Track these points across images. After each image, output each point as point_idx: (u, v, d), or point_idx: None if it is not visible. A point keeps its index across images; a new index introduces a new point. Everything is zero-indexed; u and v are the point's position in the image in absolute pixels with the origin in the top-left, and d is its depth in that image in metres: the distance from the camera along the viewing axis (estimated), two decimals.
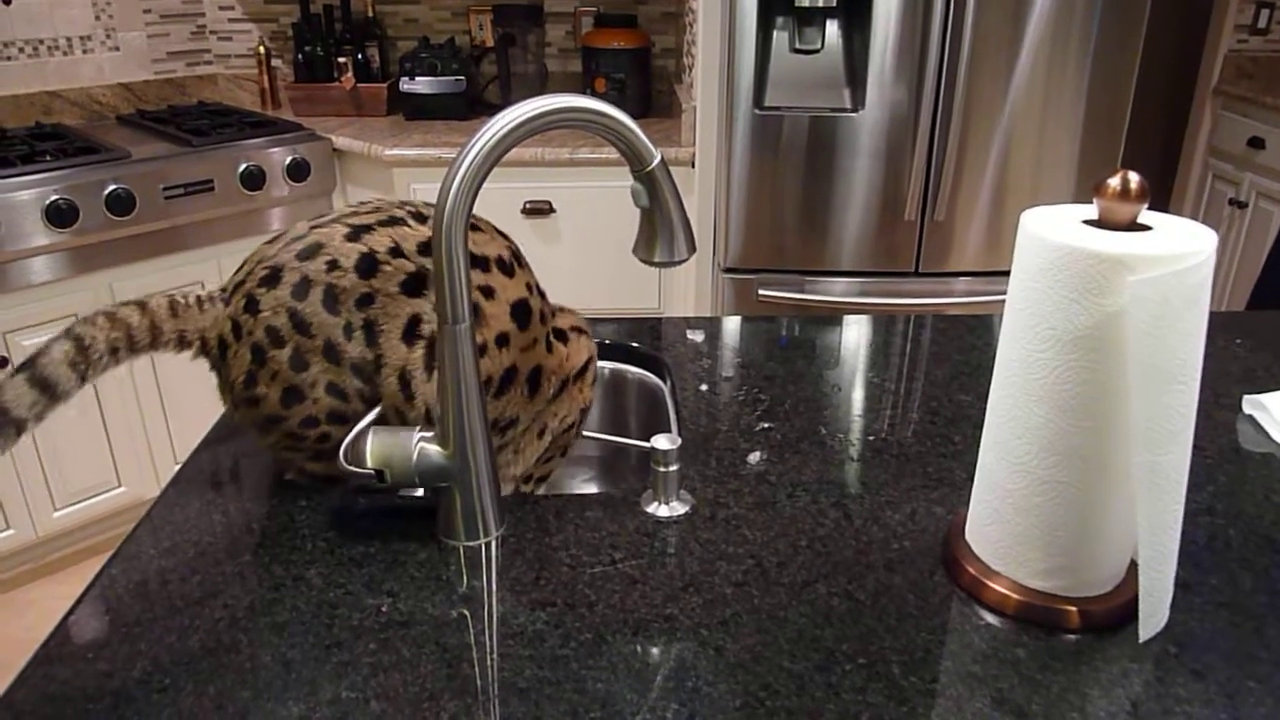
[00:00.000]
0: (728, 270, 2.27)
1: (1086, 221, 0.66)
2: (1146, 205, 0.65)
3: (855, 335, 1.24)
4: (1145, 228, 0.65)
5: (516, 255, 0.89)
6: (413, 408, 0.83)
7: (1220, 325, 1.27)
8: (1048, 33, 2.06)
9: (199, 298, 0.84)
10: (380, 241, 0.83)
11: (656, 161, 0.76)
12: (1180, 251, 0.61)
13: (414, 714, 0.63)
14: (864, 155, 2.14)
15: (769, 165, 2.16)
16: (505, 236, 0.90)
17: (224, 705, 0.64)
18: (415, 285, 0.83)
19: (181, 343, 0.84)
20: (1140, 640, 0.69)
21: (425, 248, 0.84)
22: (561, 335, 0.93)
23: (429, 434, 0.79)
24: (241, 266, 0.85)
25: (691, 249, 0.80)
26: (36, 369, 0.75)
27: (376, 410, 0.84)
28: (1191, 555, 0.80)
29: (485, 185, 0.73)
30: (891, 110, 2.11)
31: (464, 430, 0.78)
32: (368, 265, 0.82)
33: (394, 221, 0.84)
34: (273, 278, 0.82)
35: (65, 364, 0.76)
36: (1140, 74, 2.13)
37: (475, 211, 0.77)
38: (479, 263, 0.85)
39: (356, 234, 0.83)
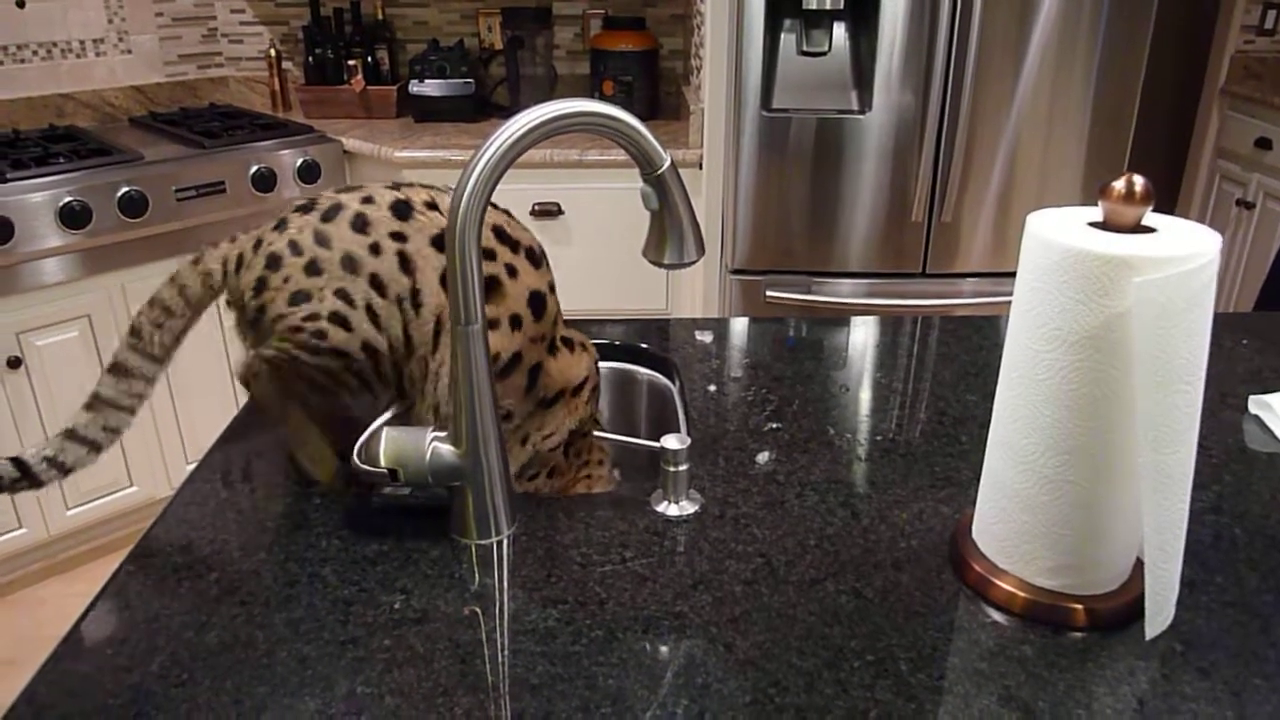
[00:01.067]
0: (735, 271, 2.28)
1: (1091, 224, 0.67)
2: (1151, 208, 0.65)
3: (862, 336, 1.25)
4: (1150, 230, 0.66)
5: (543, 253, 0.93)
6: (434, 358, 0.85)
7: (1227, 325, 1.27)
8: (1054, 34, 2.06)
9: (216, 242, 0.89)
10: (417, 195, 0.88)
11: (666, 165, 0.77)
12: (1184, 253, 0.62)
13: (427, 709, 0.64)
14: (871, 157, 2.15)
15: (776, 167, 2.17)
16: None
17: (241, 700, 0.65)
18: (442, 243, 0.85)
19: (207, 283, 0.87)
20: (1146, 638, 0.70)
21: None
22: (567, 343, 0.95)
23: (441, 433, 0.80)
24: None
25: (700, 251, 0.81)
26: (113, 360, 0.86)
27: (389, 413, 0.85)
28: (1198, 554, 0.80)
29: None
30: (898, 112, 2.11)
31: (476, 430, 0.79)
32: (402, 209, 0.86)
33: (427, 187, 0.90)
34: (307, 206, 0.87)
35: (129, 349, 0.86)
36: (1147, 75, 2.13)
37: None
38: (509, 242, 0.89)
39: (396, 186, 0.88)
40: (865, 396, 1.08)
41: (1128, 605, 0.72)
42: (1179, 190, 3.22)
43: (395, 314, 0.84)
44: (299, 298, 0.84)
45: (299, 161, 2.41)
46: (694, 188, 2.35)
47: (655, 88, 2.74)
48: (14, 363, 2.10)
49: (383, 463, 0.78)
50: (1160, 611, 0.69)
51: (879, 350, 1.21)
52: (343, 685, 0.66)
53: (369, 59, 2.78)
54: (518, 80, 2.72)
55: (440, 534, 0.83)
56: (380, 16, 2.83)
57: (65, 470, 0.85)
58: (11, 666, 2.07)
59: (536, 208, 2.37)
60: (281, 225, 0.87)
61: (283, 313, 0.84)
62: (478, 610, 0.74)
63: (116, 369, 0.86)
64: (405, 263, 0.84)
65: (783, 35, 2.16)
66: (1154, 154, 3.33)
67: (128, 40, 2.69)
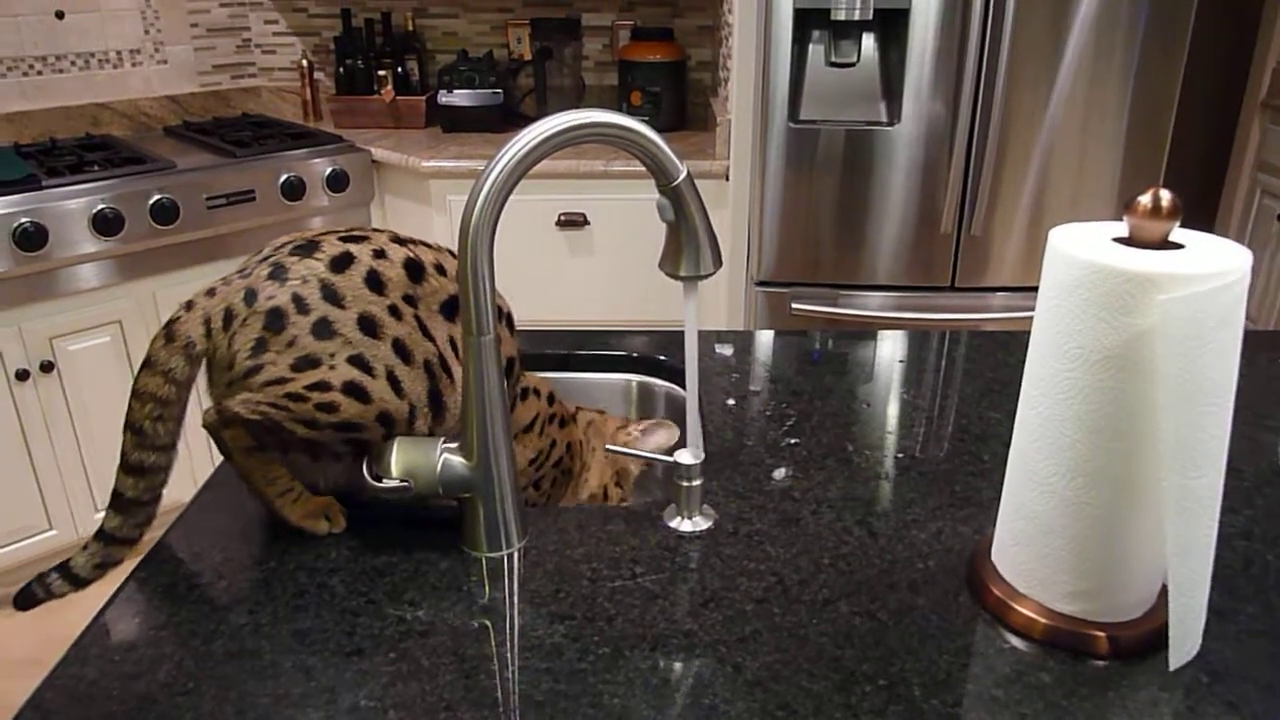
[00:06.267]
0: (761, 284, 2.26)
1: (1117, 239, 0.65)
2: (1179, 223, 0.63)
3: (886, 351, 1.23)
4: (1178, 246, 0.64)
5: (509, 310, 0.92)
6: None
7: (1263, 344, 1.24)
8: (1088, 44, 2.03)
9: (189, 301, 0.79)
10: (427, 255, 0.84)
11: (682, 176, 0.76)
12: (1212, 270, 0.60)
13: None
14: (900, 169, 2.13)
15: (803, 179, 2.15)
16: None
17: (245, 710, 0.65)
18: (451, 309, 0.84)
19: (190, 354, 0.78)
20: (1171, 668, 0.67)
21: None
22: (523, 393, 0.96)
23: (452, 445, 0.79)
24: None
25: (718, 263, 0.80)
26: (124, 460, 0.80)
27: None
28: (1227, 581, 0.78)
29: (520, 197, 0.73)
30: (928, 123, 2.09)
31: (487, 441, 0.78)
32: (416, 270, 0.82)
33: (434, 247, 0.86)
34: (309, 247, 0.78)
35: (137, 449, 0.79)
36: (1184, 87, 2.09)
37: (509, 226, 0.78)
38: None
39: (401, 241, 0.84)
40: (886, 412, 1.06)
41: (1152, 633, 0.70)
42: (1218, 205, 3.15)
43: (421, 377, 0.80)
44: (304, 363, 0.76)
45: (328, 171, 2.43)
46: (720, 199, 2.34)
47: (683, 99, 2.74)
48: (46, 367, 2.13)
49: (394, 474, 0.78)
50: (1185, 640, 0.67)
51: (902, 365, 1.19)
52: (346, 698, 0.66)
53: (399, 69, 2.80)
54: (545, 91, 2.73)
55: (450, 546, 0.82)
56: (410, 27, 2.86)
57: (114, 565, 0.86)
58: (38, 666, 2.09)
59: (562, 218, 2.37)
60: (279, 273, 0.77)
61: (283, 377, 0.76)
62: (485, 624, 0.73)
63: (132, 469, 0.80)
64: (423, 327, 0.80)
65: (811, 46, 2.15)
66: (1191, 168, 3.27)
67: (163, 51, 2.74)
